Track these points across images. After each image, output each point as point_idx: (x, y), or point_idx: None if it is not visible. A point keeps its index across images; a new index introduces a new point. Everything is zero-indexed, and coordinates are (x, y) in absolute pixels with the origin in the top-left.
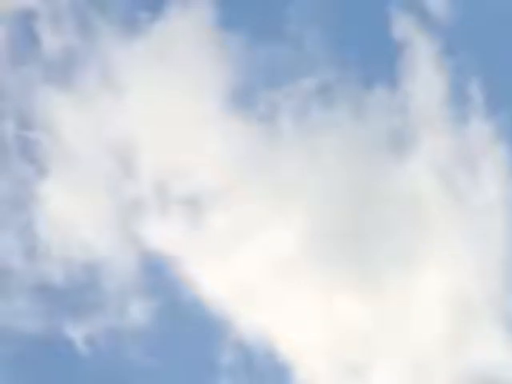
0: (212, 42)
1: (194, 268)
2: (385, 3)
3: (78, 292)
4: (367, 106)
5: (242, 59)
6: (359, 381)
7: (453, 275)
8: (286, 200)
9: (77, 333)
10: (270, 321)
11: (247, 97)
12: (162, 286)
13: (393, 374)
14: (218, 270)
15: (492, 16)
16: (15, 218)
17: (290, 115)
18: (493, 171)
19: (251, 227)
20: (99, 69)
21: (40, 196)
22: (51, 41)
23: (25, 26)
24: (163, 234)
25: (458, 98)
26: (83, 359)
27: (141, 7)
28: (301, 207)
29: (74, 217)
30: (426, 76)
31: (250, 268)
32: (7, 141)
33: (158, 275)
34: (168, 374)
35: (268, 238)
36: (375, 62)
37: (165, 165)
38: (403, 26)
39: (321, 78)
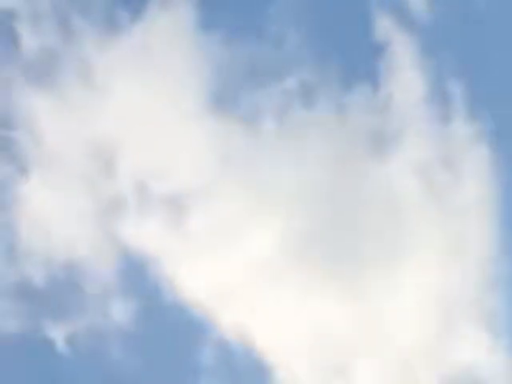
0: (192, 42)
1: (174, 268)
2: (366, 4)
3: (58, 292)
4: (348, 106)
5: (223, 59)
6: (340, 381)
7: (433, 275)
8: (266, 200)
9: (58, 333)
10: (251, 321)
11: (228, 97)
12: (143, 286)
13: (374, 374)
14: (199, 270)
15: (472, 16)
16: None
17: (271, 115)
18: (474, 171)
19: (231, 227)
20: (79, 69)
21: (20, 196)
22: (31, 41)
23: (5, 26)
24: (143, 234)
25: (439, 98)
26: (64, 359)
27: (121, 8)
28: (282, 207)
29: (54, 217)
30: (406, 76)
31: (231, 268)
32: None
33: (138, 275)
34: (149, 374)
35: (248, 239)
36: (356, 61)
37: (145, 165)
38: (384, 27)
39: (302, 77)
